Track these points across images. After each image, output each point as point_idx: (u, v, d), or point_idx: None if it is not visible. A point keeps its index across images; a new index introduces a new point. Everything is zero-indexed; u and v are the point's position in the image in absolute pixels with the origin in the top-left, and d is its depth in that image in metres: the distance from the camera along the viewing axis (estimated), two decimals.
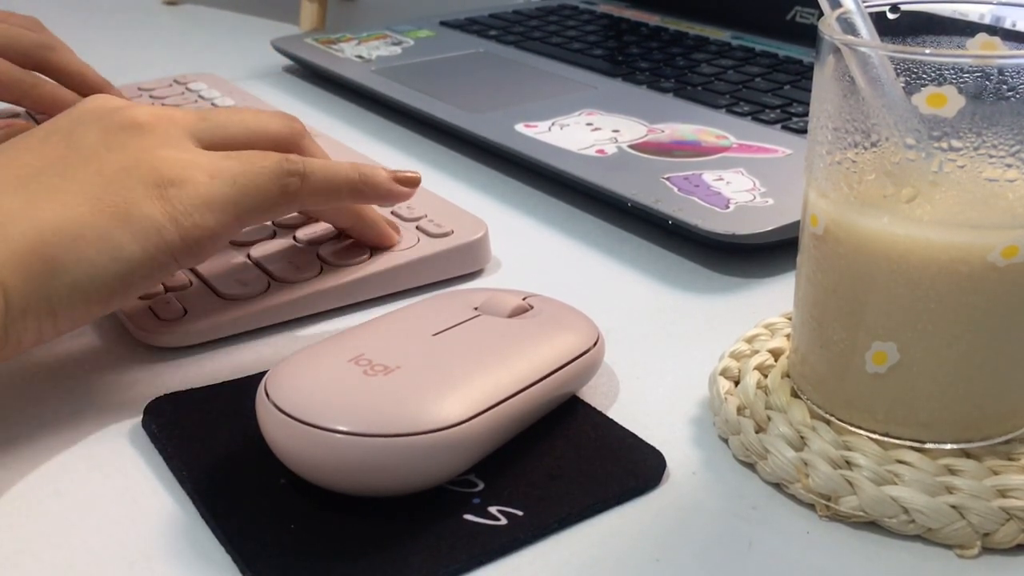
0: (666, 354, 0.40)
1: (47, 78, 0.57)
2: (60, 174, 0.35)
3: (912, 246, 0.30)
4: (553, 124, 0.60)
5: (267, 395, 0.31)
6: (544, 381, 0.34)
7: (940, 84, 0.28)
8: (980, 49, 0.32)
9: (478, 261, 0.47)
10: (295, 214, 0.49)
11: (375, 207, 0.46)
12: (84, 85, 0.59)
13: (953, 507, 0.30)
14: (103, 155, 0.36)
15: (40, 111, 0.58)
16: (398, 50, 0.79)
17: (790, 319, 0.38)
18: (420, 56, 0.78)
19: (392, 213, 0.49)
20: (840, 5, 0.32)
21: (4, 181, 0.35)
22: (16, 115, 0.62)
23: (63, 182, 0.35)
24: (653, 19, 0.85)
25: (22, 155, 0.36)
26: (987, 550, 0.30)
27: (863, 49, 0.30)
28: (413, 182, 0.44)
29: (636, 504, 0.32)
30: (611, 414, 0.36)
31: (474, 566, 0.29)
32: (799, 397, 0.35)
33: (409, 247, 0.46)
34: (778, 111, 0.62)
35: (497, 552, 0.30)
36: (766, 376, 0.36)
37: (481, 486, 0.32)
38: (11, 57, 0.56)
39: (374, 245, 0.46)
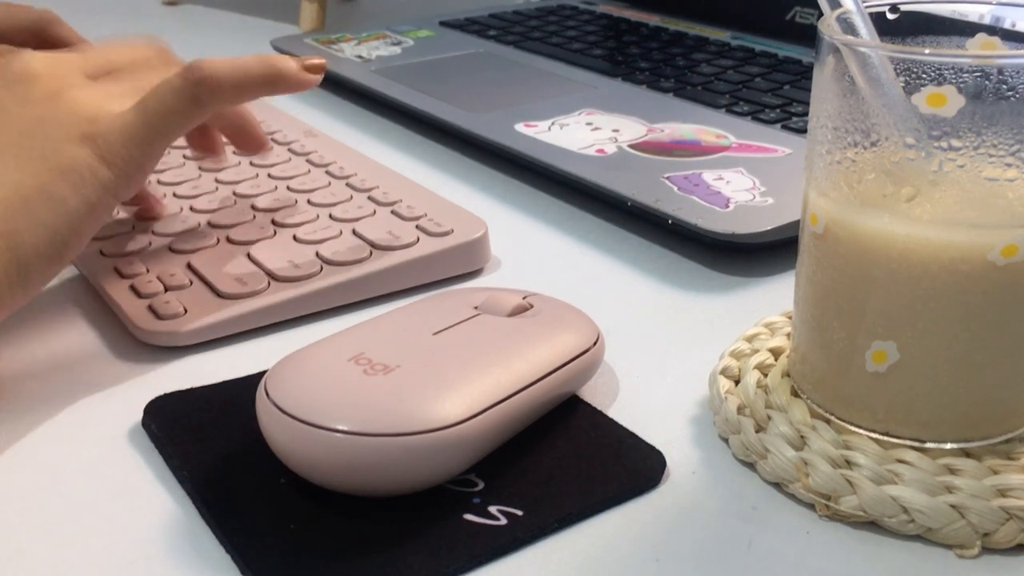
0: (666, 353, 0.40)
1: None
2: None
3: (912, 245, 0.30)
4: (553, 124, 0.60)
5: (267, 394, 0.31)
6: (544, 380, 0.34)
7: (940, 84, 0.28)
8: (980, 49, 0.32)
9: (478, 260, 0.47)
10: (295, 214, 0.49)
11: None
12: None
13: (953, 507, 0.30)
14: (14, 112, 0.37)
15: None
16: (398, 50, 0.79)
17: (790, 318, 0.38)
18: (420, 56, 0.78)
19: (392, 213, 0.49)
20: (840, 5, 0.32)
21: None
22: None
23: None
24: (653, 19, 0.85)
25: None
26: (987, 550, 0.30)
27: (863, 49, 0.30)
28: (320, 68, 0.43)
29: (636, 504, 0.32)
30: (611, 414, 0.36)
31: (474, 566, 0.29)
32: (799, 396, 0.35)
33: (409, 246, 0.46)
34: (778, 111, 0.62)
35: (497, 552, 0.30)
36: (766, 375, 0.36)
37: (481, 485, 0.32)
38: (12, 33, 0.56)
39: (253, 149, 0.47)
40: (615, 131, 0.59)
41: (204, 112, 0.39)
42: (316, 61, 0.43)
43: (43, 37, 0.57)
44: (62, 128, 0.36)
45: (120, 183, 0.37)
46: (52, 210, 0.35)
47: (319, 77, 0.43)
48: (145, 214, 0.48)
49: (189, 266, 0.45)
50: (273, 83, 0.41)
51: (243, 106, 0.45)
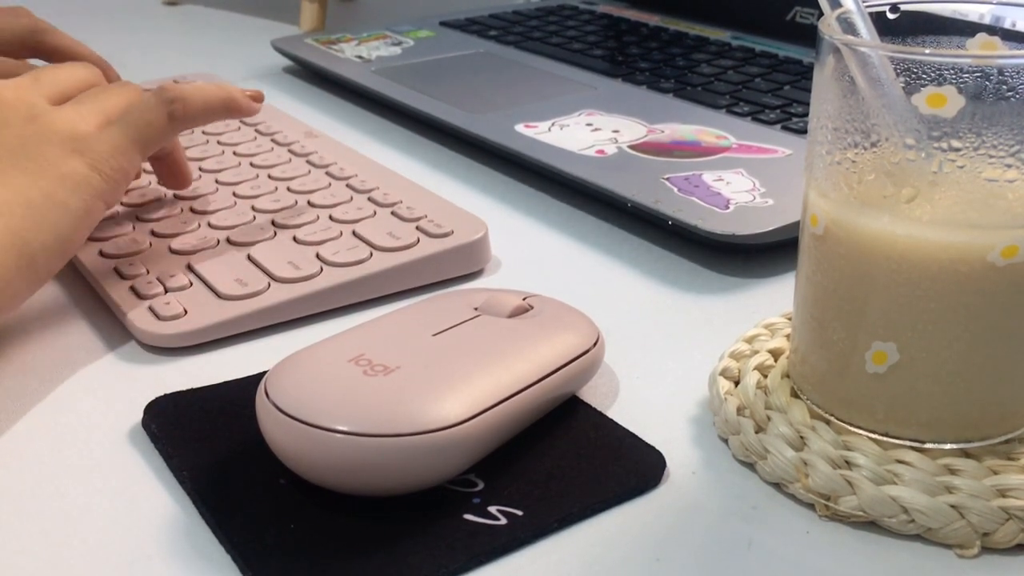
0: (666, 354, 0.40)
1: (45, 64, 0.57)
2: None
3: (912, 246, 0.30)
4: (553, 124, 0.60)
5: (267, 395, 0.31)
6: (544, 381, 0.34)
7: (940, 84, 0.28)
8: (980, 49, 0.32)
9: (478, 261, 0.47)
10: (295, 215, 0.49)
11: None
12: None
13: (953, 507, 0.30)
14: None
15: None
16: (398, 50, 0.79)
17: (790, 319, 0.38)
18: (420, 56, 0.78)
19: (392, 214, 0.49)
20: (840, 5, 0.32)
21: None
22: None
23: None
24: (653, 19, 0.85)
25: None
26: (987, 550, 0.30)
27: (863, 49, 0.30)
28: (259, 97, 0.49)
29: (636, 504, 0.32)
30: (611, 414, 0.36)
31: (474, 566, 0.29)
32: (799, 397, 0.35)
33: (409, 247, 0.46)
34: (778, 111, 0.62)
35: (497, 552, 0.30)
36: (766, 376, 0.36)
37: (481, 486, 0.32)
38: (5, 45, 0.56)
39: (178, 184, 0.50)
40: (615, 132, 0.59)
41: (177, 128, 0.44)
42: (256, 92, 0.49)
43: (35, 46, 0.58)
44: (51, 145, 0.39)
45: (109, 189, 0.40)
46: (56, 212, 0.38)
47: (259, 105, 0.48)
48: (172, 181, 0.50)
49: (189, 267, 0.45)
50: (228, 108, 0.47)
51: (178, 145, 0.50)
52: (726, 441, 0.35)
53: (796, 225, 0.35)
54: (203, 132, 0.61)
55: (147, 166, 0.53)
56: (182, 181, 0.50)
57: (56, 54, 0.58)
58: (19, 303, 0.38)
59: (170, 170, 0.50)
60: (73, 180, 0.39)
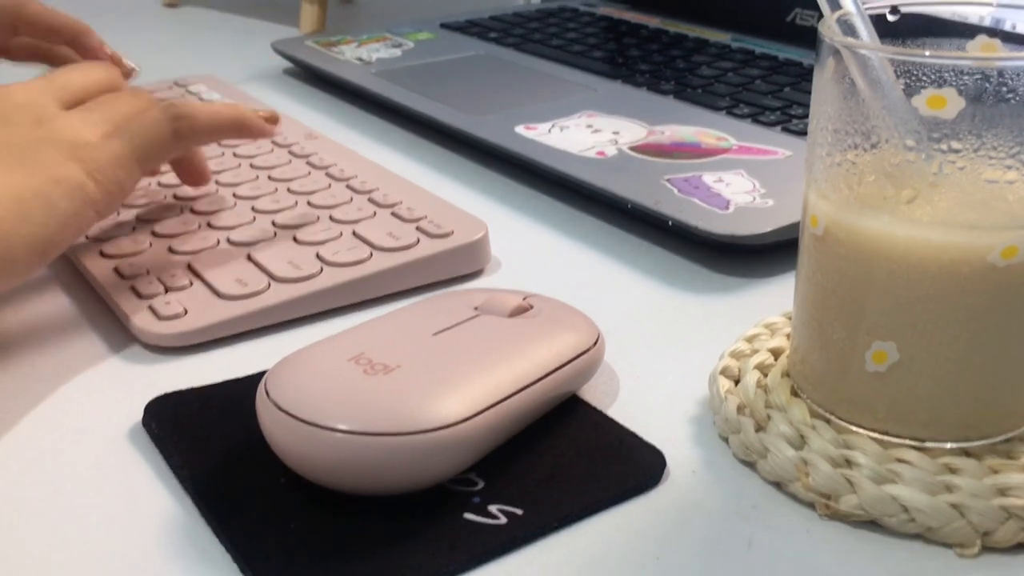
0: (666, 354, 0.40)
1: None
2: None
3: (912, 247, 0.30)
4: (553, 126, 0.61)
5: (267, 394, 0.31)
6: (544, 380, 0.34)
7: (940, 86, 0.29)
8: (980, 51, 0.32)
9: (478, 261, 0.47)
10: (295, 216, 0.49)
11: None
12: (62, 32, 0.59)
13: (953, 506, 0.30)
14: (2, 133, 0.40)
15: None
16: (398, 52, 0.79)
17: (790, 319, 0.38)
18: (420, 58, 0.78)
19: (392, 214, 0.49)
20: (840, 7, 0.32)
21: None
22: None
23: None
24: (653, 21, 0.85)
25: None
26: (987, 549, 0.30)
27: (863, 51, 0.30)
28: (274, 119, 0.49)
29: (636, 503, 0.32)
30: (611, 413, 0.36)
31: (474, 565, 0.29)
32: (799, 396, 0.35)
33: (409, 247, 0.46)
34: (778, 113, 0.62)
35: (497, 551, 0.30)
36: (766, 375, 0.36)
37: (481, 484, 0.32)
38: (55, 34, 0.56)
39: (195, 182, 0.50)
40: (615, 133, 0.59)
41: (181, 145, 0.44)
42: (271, 113, 0.49)
43: (76, 44, 0.58)
44: (52, 148, 0.39)
45: (103, 199, 0.40)
46: (43, 211, 0.38)
47: (276, 127, 0.49)
48: (189, 179, 0.51)
49: (189, 267, 0.45)
50: (239, 129, 0.47)
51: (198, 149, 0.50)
52: (726, 440, 0.35)
53: (796, 226, 0.35)
54: None
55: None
56: (199, 179, 0.51)
57: (34, 26, 0.58)
58: None
59: (188, 169, 0.50)
60: (67, 184, 0.39)
